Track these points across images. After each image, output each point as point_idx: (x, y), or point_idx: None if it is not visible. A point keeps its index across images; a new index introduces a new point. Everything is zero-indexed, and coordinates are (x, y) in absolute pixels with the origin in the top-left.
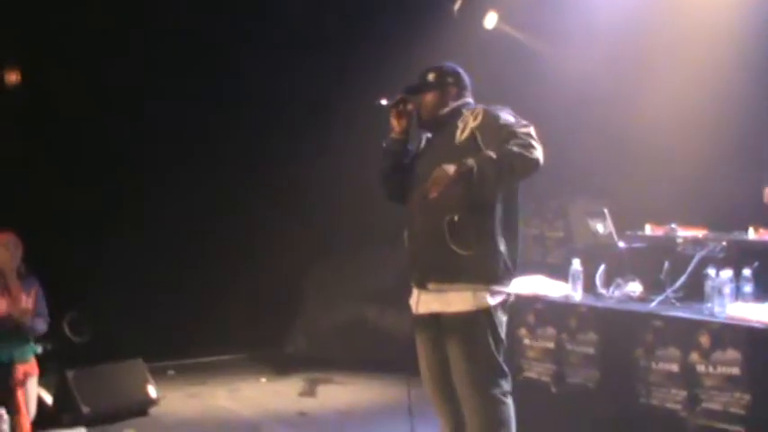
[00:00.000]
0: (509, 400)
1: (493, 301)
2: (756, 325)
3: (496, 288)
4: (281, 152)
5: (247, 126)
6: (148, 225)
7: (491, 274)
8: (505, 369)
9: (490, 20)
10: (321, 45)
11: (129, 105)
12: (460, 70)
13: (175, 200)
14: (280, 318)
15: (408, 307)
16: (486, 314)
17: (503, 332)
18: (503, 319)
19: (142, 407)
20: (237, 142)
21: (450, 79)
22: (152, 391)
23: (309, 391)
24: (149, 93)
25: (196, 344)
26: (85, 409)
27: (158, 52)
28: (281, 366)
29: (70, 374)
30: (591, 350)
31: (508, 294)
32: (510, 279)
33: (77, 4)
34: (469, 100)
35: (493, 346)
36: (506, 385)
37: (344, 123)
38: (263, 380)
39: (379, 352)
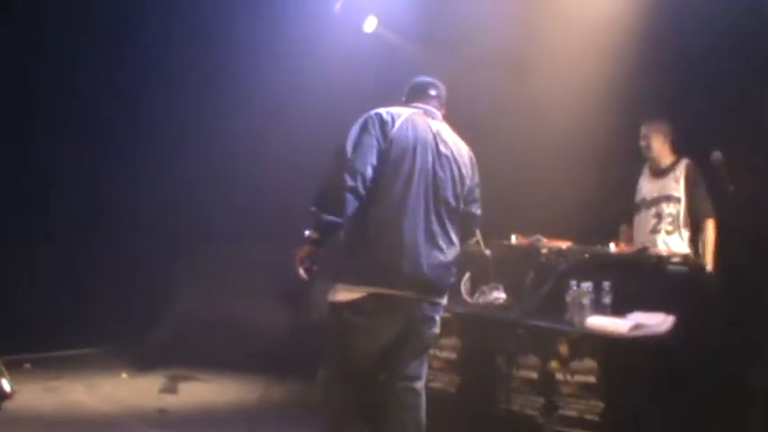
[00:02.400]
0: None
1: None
2: (612, 336)
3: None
4: (159, 133)
5: (124, 96)
6: (2, 207)
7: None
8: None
9: (370, 24)
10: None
11: None
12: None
13: (30, 180)
14: (145, 310)
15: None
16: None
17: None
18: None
19: None
20: (108, 116)
21: None
22: (6, 384)
23: (170, 388)
24: None
25: (55, 336)
26: None
27: None
28: (143, 361)
29: None
30: (453, 355)
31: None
32: (362, 279)
33: None
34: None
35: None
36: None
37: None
38: (124, 375)
39: (246, 350)
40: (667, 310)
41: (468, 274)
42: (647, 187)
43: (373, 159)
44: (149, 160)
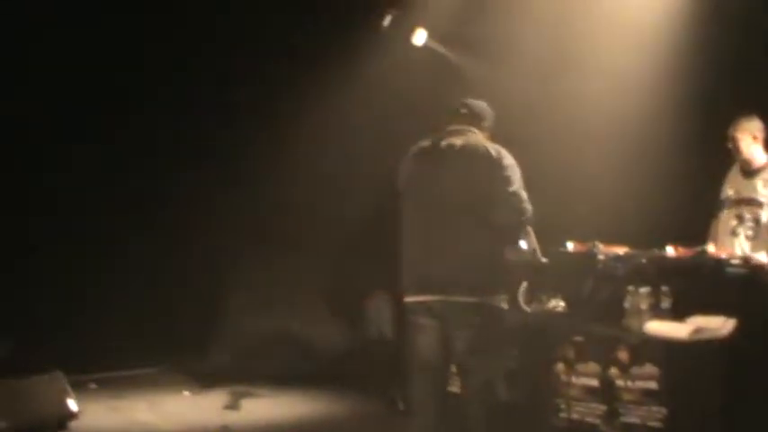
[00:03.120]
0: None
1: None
2: (673, 341)
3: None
4: (206, 143)
5: (166, 104)
6: (63, 231)
7: None
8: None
9: (419, 37)
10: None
11: None
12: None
13: (88, 202)
14: (203, 329)
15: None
16: None
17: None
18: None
19: (61, 420)
20: (156, 125)
21: None
22: (72, 404)
23: (233, 405)
24: None
25: (119, 356)
26: (2, 424)
27: None
28: (204, 379)
29: None
30: (513, 365)
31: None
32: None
33: None
34: None
35: None
36: None
37: (293, 115)
38: (186, 393)
39: (305, 365)
40: (728, 313)
41: (525, 284)
42: (733, 186)
43: None
44: (206, 180)
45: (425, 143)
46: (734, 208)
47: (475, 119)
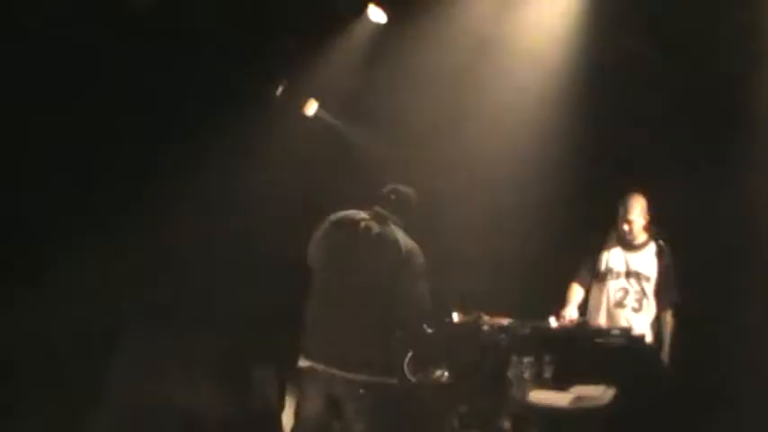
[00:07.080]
0: None
1: None
2: (555, 409)
3: None
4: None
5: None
6: None
7: None
8: None
9: (311, 107)
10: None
11: None
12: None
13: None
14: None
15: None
16: None
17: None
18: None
19: None
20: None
21: None
22: None
23: None
24: None
25: None
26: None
27: None
28: None
29: None
30: None
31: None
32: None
33: None
34: None
35: None
36: None
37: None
38: None
39: None
40: (608, 382)
41: (410, 353)
42: (615, 258)
43: None
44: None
45: (343, 215)
46: (620, 280)
47: (399, 207)
